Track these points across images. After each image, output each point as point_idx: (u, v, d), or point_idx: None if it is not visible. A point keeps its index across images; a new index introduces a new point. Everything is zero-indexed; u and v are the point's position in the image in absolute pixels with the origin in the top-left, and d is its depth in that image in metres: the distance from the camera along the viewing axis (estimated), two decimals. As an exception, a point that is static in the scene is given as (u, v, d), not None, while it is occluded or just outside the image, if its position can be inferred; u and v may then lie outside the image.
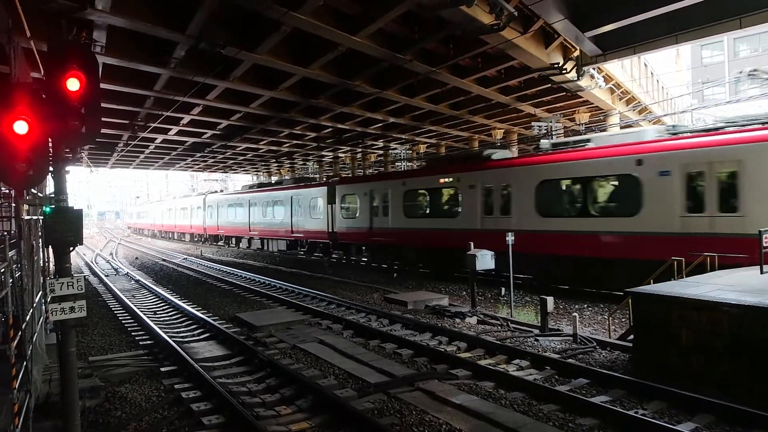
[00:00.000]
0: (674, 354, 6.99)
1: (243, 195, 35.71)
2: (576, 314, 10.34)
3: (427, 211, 19.66)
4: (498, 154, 18.19)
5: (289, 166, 46.75)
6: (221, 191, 47.21)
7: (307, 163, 44.91)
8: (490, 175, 16.83)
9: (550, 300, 10.30)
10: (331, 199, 25.08)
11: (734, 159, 11.27)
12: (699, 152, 11.85)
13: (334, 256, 27.10)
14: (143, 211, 67.30)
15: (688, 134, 12.83)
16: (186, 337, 10.47)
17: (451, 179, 18.36)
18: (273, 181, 39.48)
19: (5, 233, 9.45)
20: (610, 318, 10.21)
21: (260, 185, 37.01)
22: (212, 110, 21.71)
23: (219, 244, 41.21)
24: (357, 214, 23.20)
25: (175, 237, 52.24)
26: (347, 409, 6.03)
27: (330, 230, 25.02)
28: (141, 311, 12.60)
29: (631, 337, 8.44)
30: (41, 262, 9.04)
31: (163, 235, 56.33)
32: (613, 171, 13.60)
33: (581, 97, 21.30)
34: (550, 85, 19.01)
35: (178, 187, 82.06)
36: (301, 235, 28.13)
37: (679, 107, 37.88)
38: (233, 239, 38.43)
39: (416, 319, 11.45)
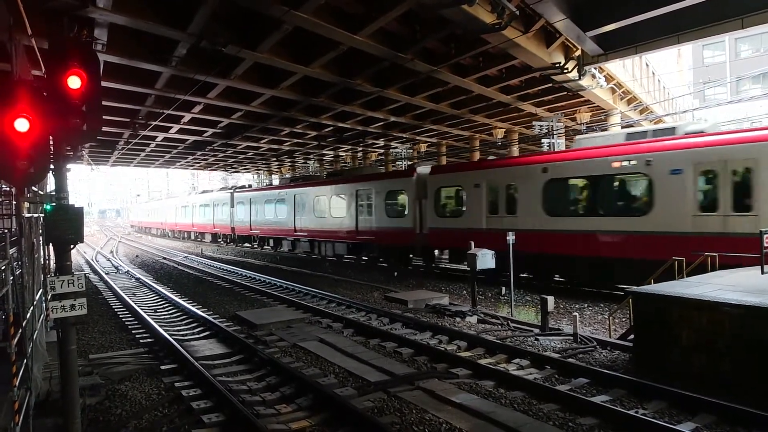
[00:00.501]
0: (675, 354, 6.99)
1: (286, 190, 29.71)
2: (576, 314, 10.36)
3: (588, 207, 14.54)
4: (709, 127, 13.90)
5: (290, 164, 46.80)
6: (249, 186, 42.98)
7: (308, 161, 44.94)
8: (711, 155, 11.94)
9: (550, 299, 10.29)
10: (419, 193, 19.88)
11: None
12: None
13: (414, 263, 21.74)
14: (152, 208, 62.05)
15: None
16: (186, 335, 10.47)
17: (633, 162, 13.30)
18: (325, 173, 33.91)
19: (6, 231, 9.47)
20: (611, 318, 10.21)
21: (307, 178, 31.77)
22: (213, 108, 21.75)
23: (244, 245, 36.36)
24: (463, 212, 18.03)
25: (192, 237, 47.11)
26: (347, 408, 6.03)
27: (418, 231, 19.85)
28: (141, 309, 12.61)
29: (632, 336, 8.44)
30: (42, 259, 9.04)
31: (176, 235, 51.40)
32: None
33: (582, 96, 21.32)
34: (551, 84, 19.04)
35: (178, 185, 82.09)
36: (371, 237, 22.40)
37: (680, 107, 37.91)
38: (270, 241, 32.55)
39: (416, 318, 11.45)
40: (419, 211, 19.90)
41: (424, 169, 20.63)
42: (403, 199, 20.93)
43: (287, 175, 50.73)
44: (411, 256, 21.52)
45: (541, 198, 15.22)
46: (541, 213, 15.21)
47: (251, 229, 33.74)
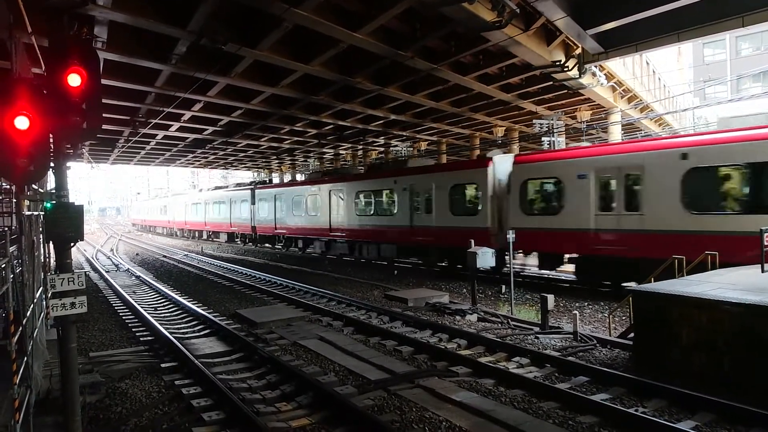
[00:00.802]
0: (675, 352, 6.99)
1: (320, 185, 26.27)
2: (576, 312, 10.35)
3: (753, 203, 11.53)
4: None
5: (290, 162, 46.81)
6: (269, 181, 40.06)
7: (308, 159, 44.94)
8: None
9: (550, 298, 10.30)
10: (497, 187, 16.93)
11: None
12: None
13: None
14: (158, 205, 58.41)
15: None
16: (186, 333, 10.48)
17: None
18: (366, 166, 30.23)
19: (6, 229, 9.46)
20: (611, 316, 10.21)
21: (341, 172, 27.94)
22: (213, 106, 21.73)
23: (264, 245, 33.73)
24: (561, 208, 14.73)
25: (204, 237, 44.18)
26: (347, 406, 6.04)
27: (495, 232, 16.68)
28: (141, 307, 12.61)
29: (632, 335, 8.44)
30: (42, 257, 9.05)
31: (186, 234, 48.48)
32: None
33: (583, 94, 21.30)
34: (551, 82, 19.02)
35: (179, 183, 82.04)
36: (431, 239, 19.04)
37: (681, 105, 37.88)
38: (299, 242, 29.34)
39: (416, 316, 11.46)
40: (497, 208, 16.83)
41: (502, 158, 17.56)
42: (474, 193, 17.71)
43: (287, 173, 50.70)
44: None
45: (679, 191, 12.26)
46: (679, 210, 12.28)
47: (276, 229, 30.59)
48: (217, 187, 45.52)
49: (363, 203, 23.17)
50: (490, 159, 17.25)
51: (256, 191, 33.41)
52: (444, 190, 18.63)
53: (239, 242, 37.69)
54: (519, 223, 15.56)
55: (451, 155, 35.78)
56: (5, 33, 6.08)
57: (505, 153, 19.04)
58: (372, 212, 22.55)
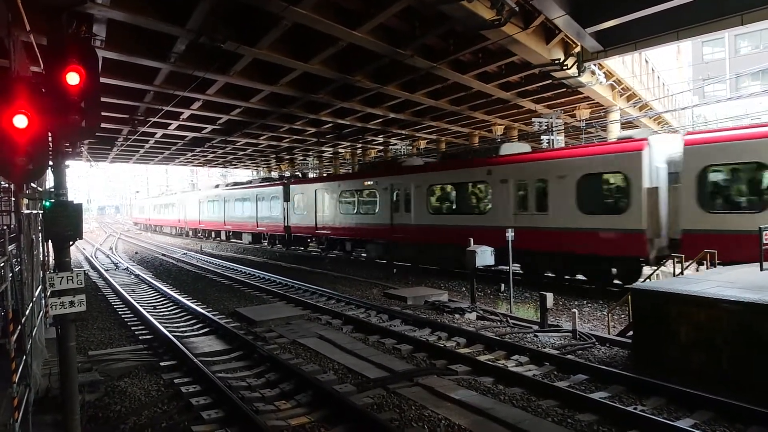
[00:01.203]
0: (674, 350, 7.00)
1: (377, 179, 22.34)
2: (575, 310, 10.35)
3: None
4: None
5: (288, 161, 46.79)
6: (303, 174, 36.23)
7: (307, 158, 44.88)
8: None
9: (549, 296, 10.31)
10: (654, 176, 13.11)
11: None
12: None
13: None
14: (165, 203, 54.54)
15: None
16: (186, 331, 10.48)
17: None
18: (440, 155, 26.10)
19: (5, 227, 9.45)
20: (610, 314, 10.22)
21: (399, 162, 23.83)
22: (212, 105, 21.71)
23: (298, 248, 30.44)
24: None
25: (222, 237, 40.41)
26: (346, 404, 6.04)
27: (651, 235, 12.92)
28: (141, 306, 12.61)
29: (631, 333, 8.45)
30: (41, 256, 9.05)
31: (200, 234, 44.52)
32: None
33: (582, 93, 21.30)
34: (550, 81, 19.00)
35: (177, 182, 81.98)
36: (546, 242, 14.88)
37: (680, 104, 37.90)
38: (347, 244, 24.98)
39: (416, 314, 11.46)
40: (654, 204, 13.03)
41: (660, 138, 14.13)
42: (619, 185, 13.80)
43: (287, 171, 50.58)
44: (615, 271, 14.30)
45: None
46: None
47: (317, 229, 26.68)
48: (236, 183, 41.50)
49: (439, 199, 19.76)
50: (645, 139, 13.33)
51: (291, 186, 29.54)
52: (568, 182, 14.61)
53: (266, 244, 33.50)
54: (696, 223, 12.31)
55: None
56: (4, 31, 6.06)
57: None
58: (454, 209, 18.95)
